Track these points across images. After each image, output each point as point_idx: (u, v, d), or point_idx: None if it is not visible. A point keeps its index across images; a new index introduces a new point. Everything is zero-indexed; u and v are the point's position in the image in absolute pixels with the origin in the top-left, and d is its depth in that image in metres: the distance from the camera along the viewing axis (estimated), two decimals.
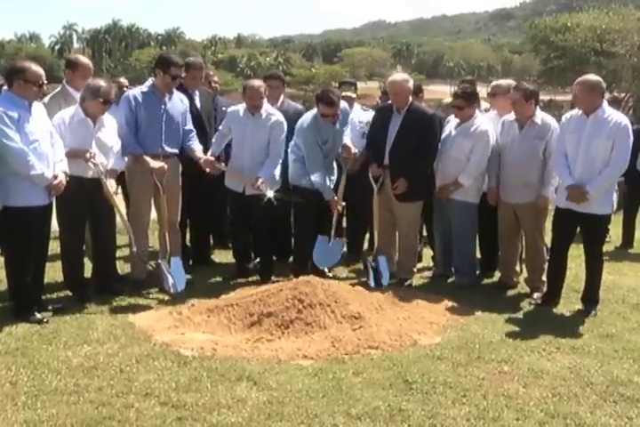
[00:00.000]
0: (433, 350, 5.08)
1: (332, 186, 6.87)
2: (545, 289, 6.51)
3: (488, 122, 6.77)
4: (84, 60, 6.80)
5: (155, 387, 4.35)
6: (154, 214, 6.74)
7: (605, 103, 5.98)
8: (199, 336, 5.35)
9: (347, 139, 7.07)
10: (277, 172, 6.80)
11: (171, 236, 6.57)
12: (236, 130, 6.80)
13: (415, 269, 7.11)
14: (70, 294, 6.23)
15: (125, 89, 7.72)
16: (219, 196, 7.11)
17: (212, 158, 6.64)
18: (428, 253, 7.94)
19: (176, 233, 6.73)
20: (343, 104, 6.98)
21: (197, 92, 7.20)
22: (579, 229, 6.23)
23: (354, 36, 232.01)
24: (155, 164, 6.30)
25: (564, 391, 4.45)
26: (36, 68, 5.47)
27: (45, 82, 5.53)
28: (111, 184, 6.04)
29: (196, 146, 6.67)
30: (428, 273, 7.36)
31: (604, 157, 5.85)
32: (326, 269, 7.11)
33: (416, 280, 7.06)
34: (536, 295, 6.51)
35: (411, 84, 6.75)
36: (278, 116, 6.71)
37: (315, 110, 6.80)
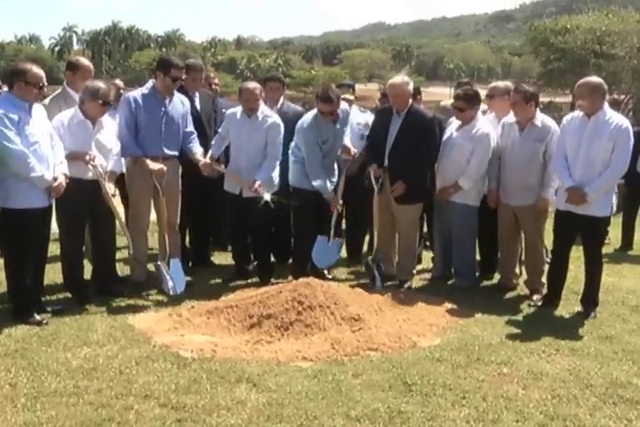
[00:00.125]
0: (432, 352, 5.08)
1: (332, 187, 6.87)
2: (544, 291, 6.51)
3: (489, 124, 6.76)
4: (85, 61, 6.81)
5: (154, 389, 4.35)
6: (153, 216, 6.74)
7: (606, 105, 5.98)
8: (199, 338, 5.34)
9: (346, 139, 7.09)
10: (276, 174, 6.81)
11: (170, 238, 6.57)
12: (233, 132, 6.80)
13: (415, 271, 7.11)
14: (70, 295, 6.23)
15: (122, 91, 7.71)
16: (218, 197, 7.10)
17: (210, 162, 6.63)
18: (427, 255, 7.93)
19: (175, 235, 6.73)
20: (344, 104, 6.99)
21: (197, 94, 7.21)
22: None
23: (353, 38, 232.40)
24: (154, 165, 6.30)
25: (563, 393, 4.45)
26: (37, 70, 5.47)
27: (46, 84, 5.53)
28: (110, 187, 6.03)
29: (197, 148, 6.67)
30: (428, 275, 7.35)
31: (605, 159, 5.85)
32: (326, 271, 7.11)
33: (415, 282, 7.06)
34: (535, 297, 6.51)
35: (411, 86, 6.75)
36: (275, 118, 6.71)
37: (315, 110, 6.81)
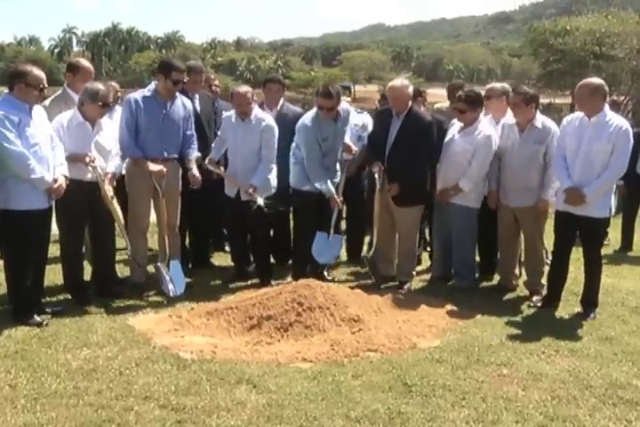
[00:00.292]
0: (432, 353, 5.09)
1: (334, 187, 6.87)
2: (544, 292, 6.52)
3: (491, 127, 6.76)
4: (85, 63, 6.82)
5: (154, 390, 4.36)
6: (153, 218, 6.75)
7: (607, 107, 5.99)
8: (199, 339, 5.35)
9: (347, 138, 7.10)
10: (273, 175, 6.81)
11: (170, 239, 6.57)
12: (229, 136, 6.83)
13: (414, 273, 7.11)
14: (70, 297, 6.23)
15: (119, 93, 7.72)
16: (217, 199, 7.10)
17: (197, 175, 6.55)
18: (427, 255, 7.92)
19: (175, 236, 6.73)
20: (345, 104, 7.00)
21: (197, 96, 7.21)
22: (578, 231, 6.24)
23: (353, 40, 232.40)
24: (154, 167, 6.31)
25: (563, 394, 4.45)
26: (38, 71, 5.47)
27: (46, 86, 5.53)
28: (109, 188, 6.04)
29: (193, 154, 6.65)
30: (427, 276, 7.35)
31: (604, 160, 5.86)
32: (325, 273, 7.11)
33: (415, 283, 7.06)
34: (535, 298, 6.51)
35: (410, 89, 6.75)
36: (269, 120, 6.70)
37: (315, 109, 6.82)
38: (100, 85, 6.01)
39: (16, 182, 5.37)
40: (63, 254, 6.27)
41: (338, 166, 7.04)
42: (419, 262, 7.53)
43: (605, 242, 8.86)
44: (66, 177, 5.63)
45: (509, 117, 6.81)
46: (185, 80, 6.59)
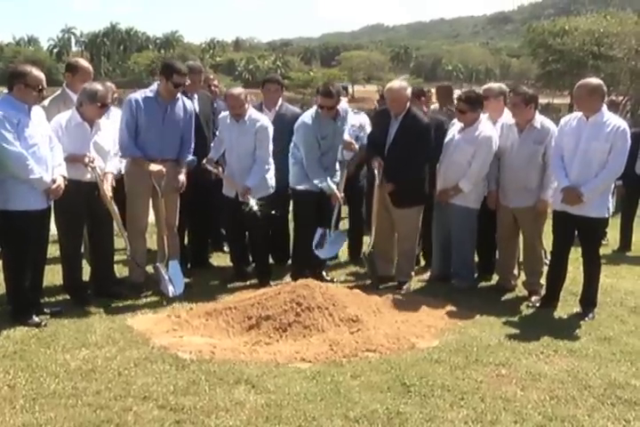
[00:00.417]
0: (431, 354, 5.09)
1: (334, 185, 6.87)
2: (543, 292, 6.52)
3: (492, 127, 6.76)
4: (84, 63, 6.82)
5: (153, 390, 4.36)
6: (152, 218, 6.75)
7: (605, 107, 6.01)
8: (197, 339, 5.35)
9: (346, 135, 7.13)
10: (270, 175, 6.83)
11: (169, 239, 6.57)
12: (225, 136, 6.85)
13: (413, 273, 7.12)
14: (68, 297, 6.23)
15: (115, 95, 7.70)
16: (216, 199, 7.10)
17: (183, 179, 6.54)
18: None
19: (174, 237, 6.73)
20: (343, 103, 7.00)
21: (196, 96, 7.21)
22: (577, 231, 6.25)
23: (352, 40, 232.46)
24: (153, 167, 6.31)
25: (561, 394, 4.45)
26: (37, 72, 5.46)
27: (45, 87, 5.53)
28: (108, 189, 6.04)
29: (186, 157, 6.64)
30: (426, 276, 7.34)
31: (602, 160, 5.87)
32: (324, 273, 7.11)
33: (414, 283, 7.06)
34: (534, 298, 6.52)
35: (409, 91, 6.75)
36: (263, 121, 6.70)
37: (314, 108, 6.82)
38: (98, 86, 6.01)
39: (15, 183, 5.37)
40: (62, 255, 6.27)
41: (337, 166, 7.03)
42: (417, 262, 7.53)
43: (604, 242, 8.87)
44: (64, 177, 5.63)
45: (507, 117, 6.82)
46: (187, 83, 6.58)
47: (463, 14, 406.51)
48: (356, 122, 7.75)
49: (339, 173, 7.02)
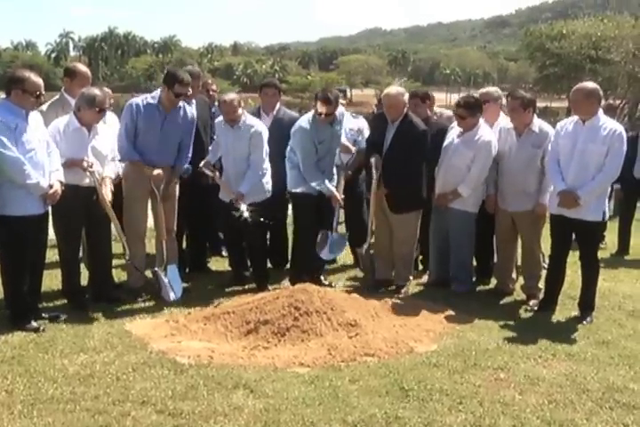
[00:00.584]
0: (429, 358, 5.08)
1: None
2: (541, 296, 6.52)
3: (491, 132, 6.77)
4: (83, 68, 6.83)
5: (151, 395, 4.35)
6: (150, 223, 6.74)
7: (601, 111, 6.02)
8: (196, 344, 5.34)
9: (343, 138, 7.15)
10: (267, 179, 6.83)
11: (167, 244, 6.57)
12: (221, 141, 6.86)
13: (412, 277, 7.12)
14: (66, 301, 6.23)
15: (111, 100, 7.71)
16: (214, 204, 7.10)
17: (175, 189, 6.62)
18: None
19: (172, 241, 6.73)
20: (340, 107, 7.00)
21: (194, 101, 7.21)
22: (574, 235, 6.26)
23: (350, 44, 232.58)
24: (152, 170, 6.32)
25: (560, 398, 4.45)
26: (36, 78, 5.46)
27: (43, 93, 5.53)
28: (107, 193, 6.04)
29: (180, 165, 6.66)
30: (424, 280, 7.34)
31: (599, 163, 5.88)
32: (322, 277, 7.11)
33: (412, 288, 7.06)
34: (532, 302, 6.52)
35: (406, 97, 6.75)
36: (257, 126, 6.69)
37: (310, 113, 6.82)
38: (96, 91, 6.01)
39: (11, 188, 5.37)
40: (60, 259, 6.27)
41: (334, 170, 7.04)
42: (415, 266, 7.54)
43: (602, 245, 8.89)
44: (61, 183, 5.63)
45: (503, 121, 6.83)
46: (189, 93, 6.58)
47: (461, 18, 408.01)
48: (355, 126, 7.75)
49: (336, 177, 7.03)
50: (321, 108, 6.63)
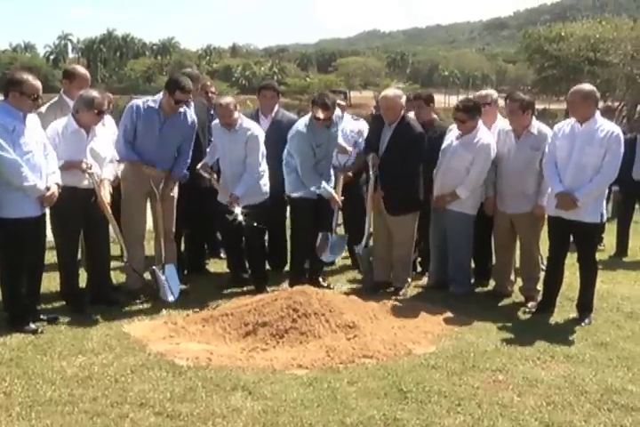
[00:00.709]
0: (427, 360, 5.08)
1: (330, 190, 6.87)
2: (539, 298, 6.53)
3: (490, 134, 6.77)
4: (82, 70, 6.83)
5: (150, 397, 4.35)
6: (149, 225, 6.74)
7: (598, 113, 6.03)
8: (194, 346, 5.34)
9: (340, 139, 7.15)
10: (264, 181, 6.82)
11: (166, 245, 6.58)
12: (217, 143, 6.87)
13: (410, 279, 7.12)
14: (65, 303, 6.22)
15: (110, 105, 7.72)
16: (213, 206, 7.11)
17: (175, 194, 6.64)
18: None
19: (171, 243, 6.74)
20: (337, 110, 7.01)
21: (192, 103, 7.21)
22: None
23: (348, 46, 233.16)
24: (151, 169, 6.33)
25: (558, 400, 4.45)
26: (34, 81, 5.46)
27: (41, 96, 5.53)
28: (105, 195, 6.04)
29: (177, 171, 6.65)
30: (423, 282, 7.34)
31: (596, 165, 5.89)
32: (321, 279, 7.11)
33: (410, 289, 7.06)
34: (530, 304, 6.52)
35: (403, 99, 6.76)
36: (254, 130, 6.69)
37: (307, 116, 6.82)
38: (94, 93, 6.01)
39: (8, 190, 5.36)
40: (59, 261, 6.26)
41: (332, 171, 7.04)
42: (413, 268, 7.54)
43: (600, 247, 8.89)
44: (58, 185, 5.63)
45: (501, 123, 6.84)
46: (189, 100, 6.58)
47: (459, 20, 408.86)
48: (356, 128, 7.75)
49: (333, 179, 7.03)
50: (319, 114, 6.62)
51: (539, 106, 35.39)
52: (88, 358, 4.98)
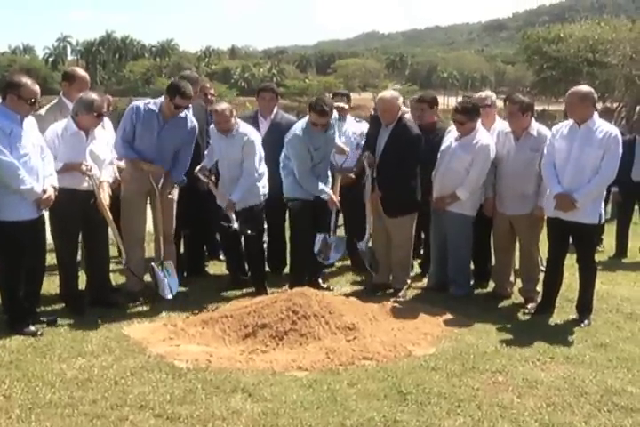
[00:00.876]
0: (427, 361, 5.08)
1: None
2: (539, 299, 6.52)
3: (489, 136, 6.77)
4: (81, 72, 6.83)
5: (149, 399, 4.35)
6: (149, 226, 6.75)
7: (596, 115, 6.04)
8: (194, 348, 5.34)
9: (337, 140, 7.12)
10: (263, 183, 6.84)
11: (165, 247, 6.58)
12: (215, 147, 6.88)
13: (409, 281, 7.12)
14: (64, 305, 6.22)
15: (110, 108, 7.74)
16: (212, 208, 7.11)
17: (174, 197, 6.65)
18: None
19: (170, 245, 6.74)
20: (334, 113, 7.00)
21: (190, 106, 7.21)
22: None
23: (347, 48, 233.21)
24: (150, 166, 6.35)
25: (558, 401, 4.45)
26: (32, 86, 5.45)
27: (39, 100, 5.53)
28: (104, 197, 6.04)
29: (175, 177, 6.67)
30: (422, 284, 7.34)
31: (595, 166, 5.89)
32: (320, 281, 7.11)
33: (410, 291, 7.06)
34: (530, 305, 6.52)
35: (400, 101, 6.77)
36: (250, 135, 6.68)
37: (305, 119, 6.82)
38: (94, 95, 6.02)
39: (5, 193, 5.36)
40: (58, 263, 6.26)
41: (329, 173, 7.05)
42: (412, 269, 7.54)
43: (600, 248, 8.90)
44: (55, 188, 5.63)
45: (500, 125, 6.84)
46: (189, 106, 6.59)
47: (458, 22, 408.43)
48: (358, 130, 7.74)
49: (330, 180, 7.03)
50: (317, 120, 6.61)
51: (538, 107, 35.34)
52: (88, 361, 4.98)
